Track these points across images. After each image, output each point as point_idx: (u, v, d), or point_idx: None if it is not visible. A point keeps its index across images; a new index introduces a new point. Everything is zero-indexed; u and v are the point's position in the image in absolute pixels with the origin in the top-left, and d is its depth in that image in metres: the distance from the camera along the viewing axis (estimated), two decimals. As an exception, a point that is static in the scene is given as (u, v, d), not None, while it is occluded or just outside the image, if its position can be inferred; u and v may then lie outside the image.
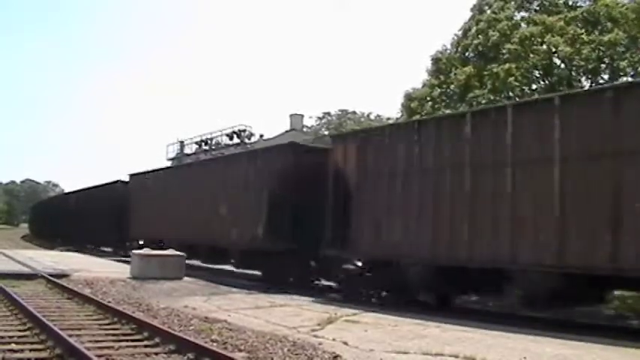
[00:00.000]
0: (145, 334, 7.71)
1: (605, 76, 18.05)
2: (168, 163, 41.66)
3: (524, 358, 6.88)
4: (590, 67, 17.73)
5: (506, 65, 18.08)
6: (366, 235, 12.74)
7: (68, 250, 29.12)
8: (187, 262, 20.66)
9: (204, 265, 20.41)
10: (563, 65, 18.67)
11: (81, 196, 36.19)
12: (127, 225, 25.40)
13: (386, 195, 12.36)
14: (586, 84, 18.16)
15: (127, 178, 28.05)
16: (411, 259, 11.70)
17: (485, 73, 18.93)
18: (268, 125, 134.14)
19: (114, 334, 7.79)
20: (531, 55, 18.27)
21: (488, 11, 20.52)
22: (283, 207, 15.28)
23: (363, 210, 12.90)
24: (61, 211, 40.61)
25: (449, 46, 22.10)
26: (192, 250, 19.17)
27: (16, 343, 7.06)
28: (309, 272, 15.41)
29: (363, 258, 13.14)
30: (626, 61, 17.16)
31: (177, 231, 20.69)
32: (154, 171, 26.04)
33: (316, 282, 15.52)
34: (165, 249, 18.26)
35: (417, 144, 11.88)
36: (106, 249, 29.81)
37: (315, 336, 8.14)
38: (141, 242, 22.65)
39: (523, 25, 19.59)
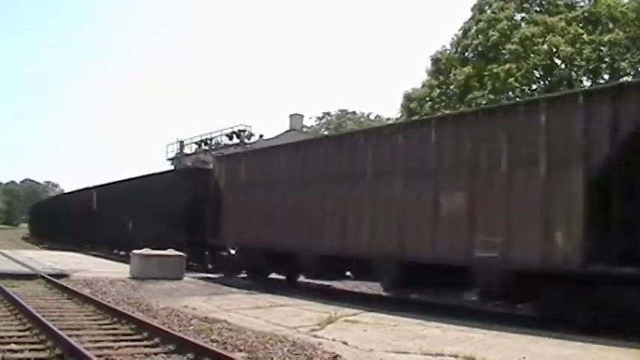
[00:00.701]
0: (145, 334, 7.69)
1: (606, 76, 18.08)
2: (168, 164, 41.73)
3: (524, 358, 6.87)
4: (590, 67, 17.76)
5: (507, 65, 18.11)
6: None
7: (112, 260, 23.19)
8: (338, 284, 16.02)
9: (387, 294, 13.64)
10: (563, 65, 18.69)
11: (110, 191, 29.57)
12: (203, 227, 18.07)
13: None
14: (587, 84, 18.18)
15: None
16: None
17: (486, 73, 18.96)
18: (268, 125, 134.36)
19: (113, 334, 7.78)
20: (532, 56, 18.29)
21: (489, 11, 20.54)
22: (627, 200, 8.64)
23: None
24: (79, 210, 34.20)
25: (449, 47, 22.16)
26: (358, 267, 13.76)
27: (16, 343, 7.04)
28: None
29: None
30: (626, 61, 17.20)
31: (322, 238, 13.69)
32: (269, 149, 18.63)
33: None
34: (301, 264, 14.39)
35: None
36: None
37: (315, 336, 8.13)
38: (232, 251, 17.32)
39: (523, 25, 19.62)
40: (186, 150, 41.45)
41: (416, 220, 11.36)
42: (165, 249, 16.61)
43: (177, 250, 16.69)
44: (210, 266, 19.06)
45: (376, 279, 13.46)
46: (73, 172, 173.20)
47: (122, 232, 25.46)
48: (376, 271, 12.68)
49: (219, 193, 17.76)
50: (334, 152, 14.00)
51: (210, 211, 17.80)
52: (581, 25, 18.22)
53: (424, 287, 12.58)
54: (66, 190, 66.20)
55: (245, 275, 17.04)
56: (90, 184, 35.76)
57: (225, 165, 18.54)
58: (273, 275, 16.59)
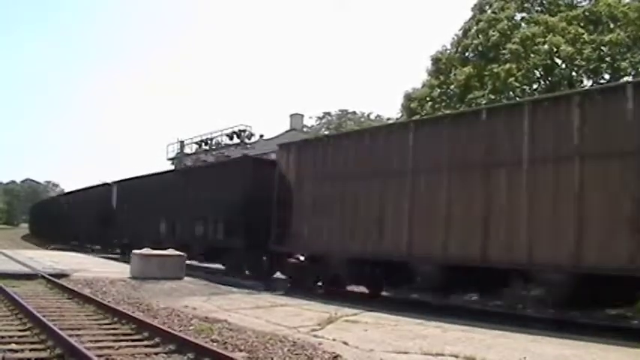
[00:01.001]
0: (145, 334, 7.70)
1: (607, 76, 18.08)
2: (168, 163, 41.71)
3: (524, 358, 6.87)
4: (591, 67, 17.76)
5: (507, 65, 18.12)
6: None
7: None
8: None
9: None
10: (564, 65, 18.69)
11: (136, 186, 26.01)
12: (261, 229, 15.48)
13: None
14: (587, 84, 18.19)
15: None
16: None
17: (486, 73, 18.97)
18: (268, 125, 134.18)
19: (114, 334, 7.78)
20: (532, 55, 18.29)
21: (489, 11, 20.56)
22: None
23: None
24: (89, 209, 31.45)
25: (449, 46, 22.16)
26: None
27: (16, 342, 7.04)
28: None
29: None
30: (627, 61, 17.19)
31: (448, 242, 11.00)
32: (349, 134, 14.79)
33: None
34: (411, 276, 11.76)
35: None
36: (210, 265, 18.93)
37: (315, 336, 8.14)
38: (301, 258, 15.10)
39: (524, 25, 19.64)
40: (187, 150, 41.40)
41: (603, 217, 8.80)
42: (211, 254, 15.34)
43: (229, 256, 15.18)
44: (266, 275, 16.50)
45: (526, 293, 10.28)
46: (73, 172, 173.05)
47: (150, 234, 22.12)
48: (537, 283, 9.90)
49: (287, 189, 15.14)
50: (466, 133, 11.17)
51: (275, 210, 15.25)
52: (581, 24, 18.22)
53: (609, 305, 10.04)
54: (66, 190, 65.75)
55: (320, 288, 14.53)
56: (88, 184, 35.53)
57: (295, 155, 15.39)
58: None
